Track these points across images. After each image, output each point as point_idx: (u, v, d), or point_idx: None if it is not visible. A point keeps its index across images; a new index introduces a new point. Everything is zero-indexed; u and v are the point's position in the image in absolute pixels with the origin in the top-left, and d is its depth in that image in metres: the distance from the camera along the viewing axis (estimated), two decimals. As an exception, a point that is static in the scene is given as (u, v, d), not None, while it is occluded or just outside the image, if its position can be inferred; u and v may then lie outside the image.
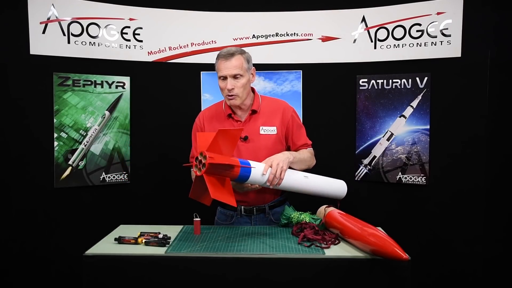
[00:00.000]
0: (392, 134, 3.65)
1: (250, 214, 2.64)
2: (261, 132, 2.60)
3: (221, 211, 2.73)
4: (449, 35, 3.42)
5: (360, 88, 3.73)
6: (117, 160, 3.70)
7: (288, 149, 2.67)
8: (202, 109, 3.00)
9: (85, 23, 3.50)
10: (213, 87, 3.77)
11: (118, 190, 3.71)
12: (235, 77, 2.49)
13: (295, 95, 3.80)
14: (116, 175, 3.69)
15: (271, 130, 2.62)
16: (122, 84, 3.68)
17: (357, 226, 2.16)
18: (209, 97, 3.77)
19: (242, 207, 2.65)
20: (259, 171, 2.28)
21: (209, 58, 3.76)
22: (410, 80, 3.57)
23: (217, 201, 2.78)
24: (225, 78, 2.49)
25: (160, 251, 2.14)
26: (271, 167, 2.31)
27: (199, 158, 2.14)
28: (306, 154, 2.65)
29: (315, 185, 2.53)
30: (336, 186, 2.63)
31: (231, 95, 2.51)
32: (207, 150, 2.13)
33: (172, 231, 2.44)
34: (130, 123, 3.73)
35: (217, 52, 2.57)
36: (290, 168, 2.44)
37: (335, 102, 3.79)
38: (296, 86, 3.80)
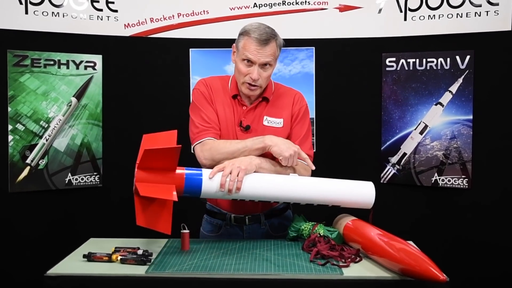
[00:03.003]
0: (426, 126, 3.65)
1: (241, 223, 2.65)
2: (265, 123, 2.61)
3: (208, 219, 2.75)
4: (497, 4, 3.41)
5: (387, 69, 3.72)
6: (86, 158, 3.69)
7: None
8: (191, 94, 2.97)
9: (46, -12, 3.50)
10: (204, 67, 3.76)
11: (88, 195, 3.70)
12: (264, 65, 2.52)
13: (306, 78, 3.79)
14: (85, 176, 3.69)
15: (277, 122, 2.63)
16: (92, 64, 3.67)
17: (383, 239, 2.15)
18: (200, 81, 3.76)
19: (232, 215, 2.65)
20: (211, 179, 2.31)
21: (200, 32, 3.75)
22: (448, 59, 3.55)
23: (204, 208, 2.78)
24: (251, 62, 2.51)
25: (139, 270, 2.13)
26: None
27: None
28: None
29: (314, 188, 2.45)
30: (353, 192, 2.51)
31: (254, 86, 2.55)
32: (140, 163, 2.20)
33: (154, 246, 2.43)
34: (103, 113, 3.72)
35: (243, 28, 2.58)
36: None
37: (355, 86, 3.79)
38: (308, 66, 3.79)
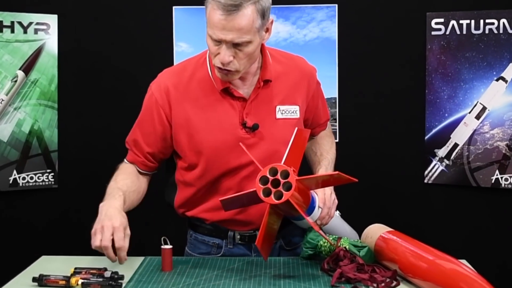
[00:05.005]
0: (484, 109, 3.65)
1: (250, 241, 2.62)
2: (278, 115, 2.54)
3: (199, 238, 2.69)
4: None
5: (433, 33, 3.72)
6: (37, 151, 3.70)
7: None
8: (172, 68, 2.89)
9: None
10: (192, 31, 3.75)
11: (39, 199, 3.71)
12: (237, 44, 2.41)
13: (326, 44, 3.80)
14: (35, 175, 3.69)
15: (292, 111, 2.56)
16: (44, 27, 3.67)
17: (428, 258, 2.15)
18: (186, 48, 3.76)
19: (237, 232, 2.61)
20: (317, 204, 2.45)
21: (187, -16, 3.75)
22: (514, 20, 3.57)
23: (186, 222, 2.75)
24: (219, 41, 2.42)
25: (107, 298, 2.13)
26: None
27: (272, 176, 2.22)
28: (333, 150, 2.78)
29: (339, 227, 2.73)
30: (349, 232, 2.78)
31: (226, 70, 2.43)
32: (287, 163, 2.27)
33: (126, 266, 2.43)
34: (58, 91, 3.73)
35: None
36: None
37: (391, 56, 3.80)
38: (328, 30, 3.80)
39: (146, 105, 2.55)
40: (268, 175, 2.21)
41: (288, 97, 2.53)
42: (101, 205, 2.29)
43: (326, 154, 2.69)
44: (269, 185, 2.20)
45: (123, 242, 2.15)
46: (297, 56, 2.67)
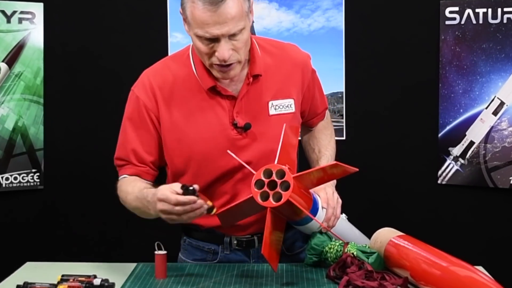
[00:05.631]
0: (502, 104, 3.64)
1: (248, 247, 2.62)
2: (272, 111, 2.53)
3: (194, 244, 2.69)
4: None
5: (447, 23, 3.72)
6: (21, 150, 3.70)
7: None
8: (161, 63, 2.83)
9: None
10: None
11: (24, 200, 3.72)
12: (232, 35, 2.42)
13: (332, 35, 3.81)
14: (19, 175, 3.69)
15: (287, 105, 2.55)
16: (29, 17, 3.67)
17: (441, 264, 2.15)
18: (181, 39, 3.76)
19: (234, 237, 2.61)
20: (320, 206, 2.44)
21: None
22: (534, 8, 3.56)
23: (181, 227, 2.74)
24: (213, 39, 2.43)
25: (96, 307, 2.13)
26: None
27: (267, 178, 2.21)
28: (332, 144, 2.78)
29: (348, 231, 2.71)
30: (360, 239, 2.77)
31: (227, 66, 2.42)
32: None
33: (117, 273, 2.43)
34: (44, 85, 3.74)
35: None
36: None
37: (402, 48, 3.79)
38: (335, 19, 3.80)
39: (134, 111, 2.52)
40: (263, 178, 2.19)
41: (281, 91, 2.51)
42: (146, 202, 2.30)
43: (324, 150, 2.70)
44: (265, 188, 2.19)
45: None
46: (288, 44, 2.65)
